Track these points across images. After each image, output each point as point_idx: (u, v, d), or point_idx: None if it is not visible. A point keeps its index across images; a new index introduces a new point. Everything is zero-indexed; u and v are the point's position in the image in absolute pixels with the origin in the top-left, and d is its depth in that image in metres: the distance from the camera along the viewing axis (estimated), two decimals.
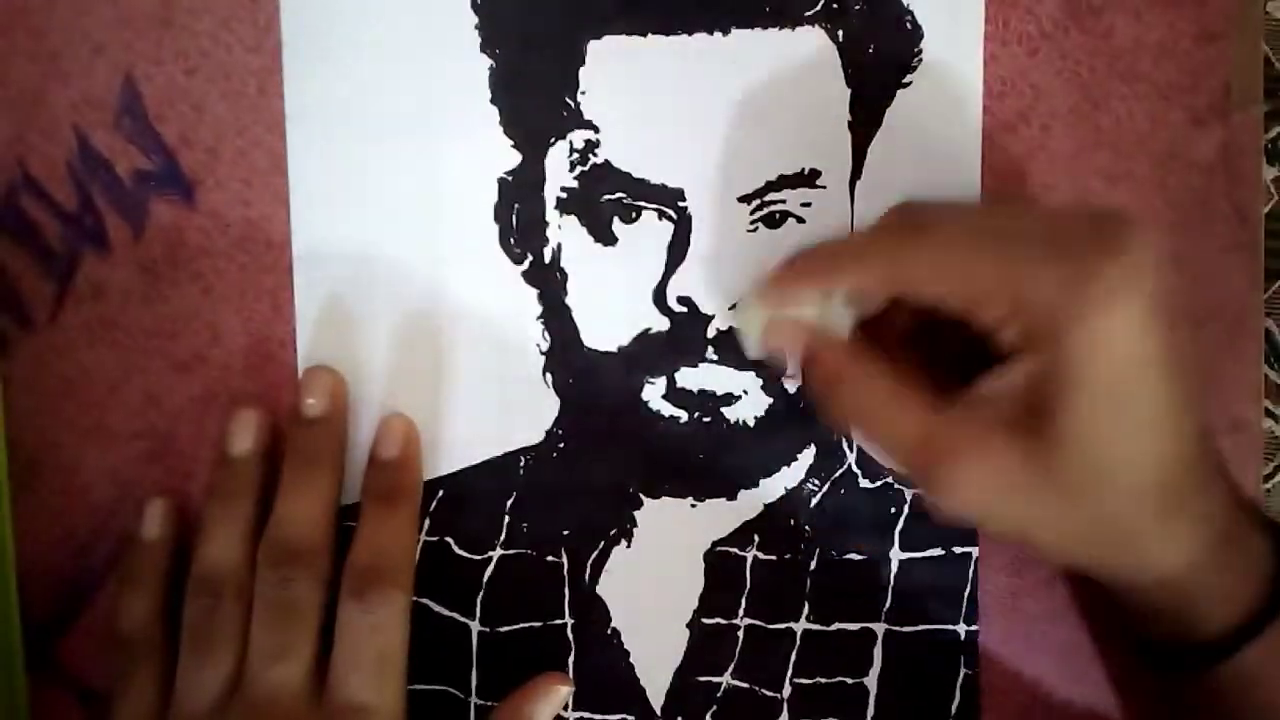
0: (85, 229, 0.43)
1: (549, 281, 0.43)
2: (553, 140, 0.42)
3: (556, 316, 0.43)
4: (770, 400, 0.43)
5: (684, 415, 0.43)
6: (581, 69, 0.42)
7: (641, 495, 0.44)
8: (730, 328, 0.42)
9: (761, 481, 0.44)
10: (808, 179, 0.42)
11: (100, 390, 0.43)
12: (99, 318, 0.43)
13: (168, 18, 0.42)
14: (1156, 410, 0.34)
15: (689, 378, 0.43)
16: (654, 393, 0.43)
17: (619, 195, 0.42)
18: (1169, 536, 0.36)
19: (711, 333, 0.43)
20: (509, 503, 0.44)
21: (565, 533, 0.44)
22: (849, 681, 0.44)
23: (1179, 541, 0.36)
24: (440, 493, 0.44)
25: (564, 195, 0.42)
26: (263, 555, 0.40)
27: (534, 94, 0.42)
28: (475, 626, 0.44)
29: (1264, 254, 0.43)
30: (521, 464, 0.44)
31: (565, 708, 0.44)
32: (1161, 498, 0.35)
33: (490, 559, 0.44)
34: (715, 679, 0.44)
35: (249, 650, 0.40)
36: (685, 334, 0.43)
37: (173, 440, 0.43)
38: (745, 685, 0.44)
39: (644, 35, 0.42)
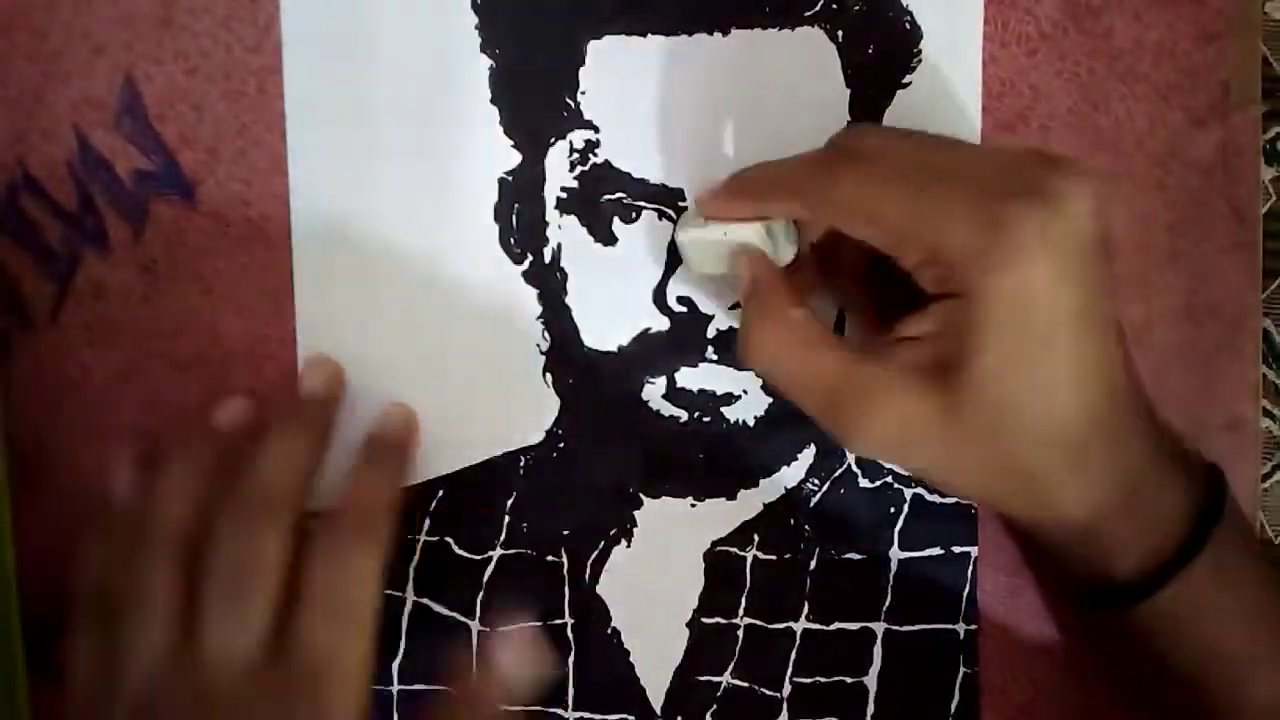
0: (85, 229, 0.43)
1: (549, 281, 0.43)
2: (553, 140, 0.42)
3: (557, 316, 0.43)
4: (770, 400, 0.43)
5: (684, 415, 0.43)
6: (581, 69, 0.42)
7: (641, 495, 0.44)
8: (730, 327, 0.42)
9: (761, 481, 0.44)
10: None
11: (100, 390, 0.43)
12: (99, 318, 0.43)
13: (168, 17, 0.42)
14: (1067, 364, 0.34)
15: (689, 377, 0.43)
16: (654, 392, 0.43)
17: (619, 195, 0.42)
18: (1074, 485, 0.36)
19: (711, 333, 0.43)
20: (509, 502, 0.44)
21: (565, 532, 0.44)
22: (849, 681, 0.44)
23: (1084, 490, 0.36)
24: (440, 492, 0.44)
25: (564, 195, 0.42)
26: (231, 506, 0.38)
27: (534, 94, 0.42)
28: (475, 626, 0.44)
29: (1262, 254, 0.43)
30: (522, 464, 0.44)
31: (565, 708, 0.44)
32: (1066, 448, 0.35)
33: (490, 559, 0.44)
34: (715, 678, 0.44)
35: (204, 605, 0.37)
36: (685, 334, 0.43)
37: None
38: (745, 685, 0.44)
39: (644, 35, 0.42)
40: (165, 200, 0.43)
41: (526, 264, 0.43)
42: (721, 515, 0.44)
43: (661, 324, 0.43)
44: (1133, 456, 0.36)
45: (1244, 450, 0.44)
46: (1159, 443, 0.37)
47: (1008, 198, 0.33)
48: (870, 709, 0.44)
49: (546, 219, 0.43)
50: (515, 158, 0.42)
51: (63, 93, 0.43)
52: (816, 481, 0.44)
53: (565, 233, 0.43)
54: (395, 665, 0.44)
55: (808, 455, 0.44)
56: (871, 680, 0.44)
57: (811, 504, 0.44)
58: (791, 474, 0.44)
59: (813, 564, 0.44)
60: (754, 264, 0.38)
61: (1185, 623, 0.37)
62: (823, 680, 0.44)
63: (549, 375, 0.43)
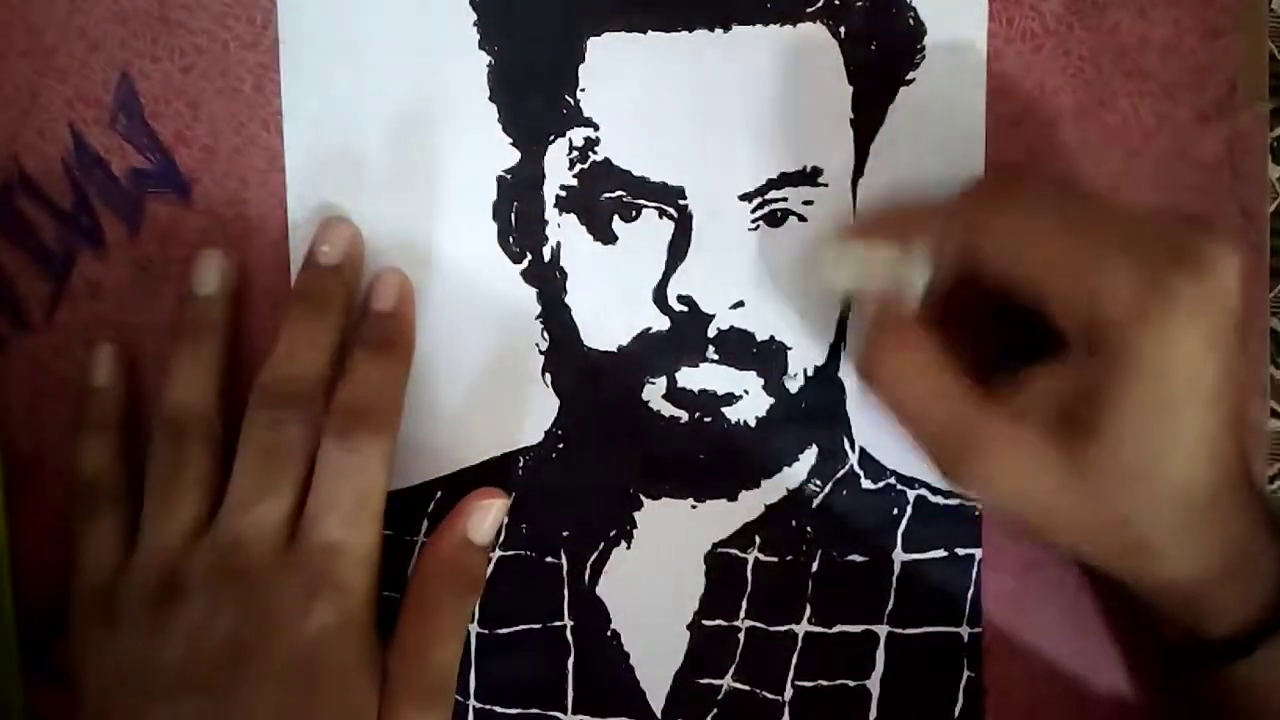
0: (81, 228, 0.43)
1: (548, 280, 0.43)
2: (552, 138, 0.42)
3: (556, 316, 0.43)
4: (772, 400, 0.43)
5: (684, 415, 0.43)
6: (581, 66, 0.41)
7: (642, 496, 0.43)
8: (731, 327, 0.42)
9: (763, 482, 0.43)
10: (809, 177, 0.42)
11: None
12: (95, 317, 0.43)
13: (164, 15, 0.42)
14: (1201, 433, 0.34)
15: (690, 377, 0.43)
16: (654, 393, 0.43)
17: (619, 193, 0.42)
18: (1185, 548, 0.36)
19: (712, 332, 0.42)
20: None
21: (565, 534, 0.43)
22: (851, 684, 0.44)
23: (1193, 554, 0.36)
24: (439, 493, 0.43)
25: (563, 193, 0.42)
26: (256, 395, 0.39)
27: (533, 91, 0.42)
28: (474, 628, 0.44)
29: (1270, 252, 0.43)
30: (520, 464, 0.43)
31: (564, 710, 0.44)
32: (1187, 514, 0.35)
33: (489, 560, 0.43)
34: (716, 681, 0.44)
35: (228, 491, 0.39)
36: (686, 333, 0.42)
37: None
38: (746, 688, 0.44)
39: (644, 32, 0.41)
40: (161, 198, 0.43)
41: (525, 263, 0.43)
42: (722, 516, 0.43)
43: (662, 323, 0.42)
44: (1240, 522, 0.36)
45: (1251, 450, 0.43)
46: (1261, 507, 0.37)
47: (1169, 264, 0.33)
48: (873, 713, 0.44)
49: (545, 217, 0.42)
50: (514, 155, 0.42)
51: (58, 90, 0.42)
52: (819, 483, 0.43)
53: (564, 231, 0.42)
54: None
55: (810, 456, 0.43)
56: (874, 683, 0.44)
57: (814, 505, 0.43)
58: (794, 475, 0.43)
59: (815, 566, 0.44)
60: (883, 295, 0.38)
61: (1275, 683, 0.37)
62: (825, 683, 0.44)
63: (548, 375, 0.43)
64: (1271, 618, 0.37)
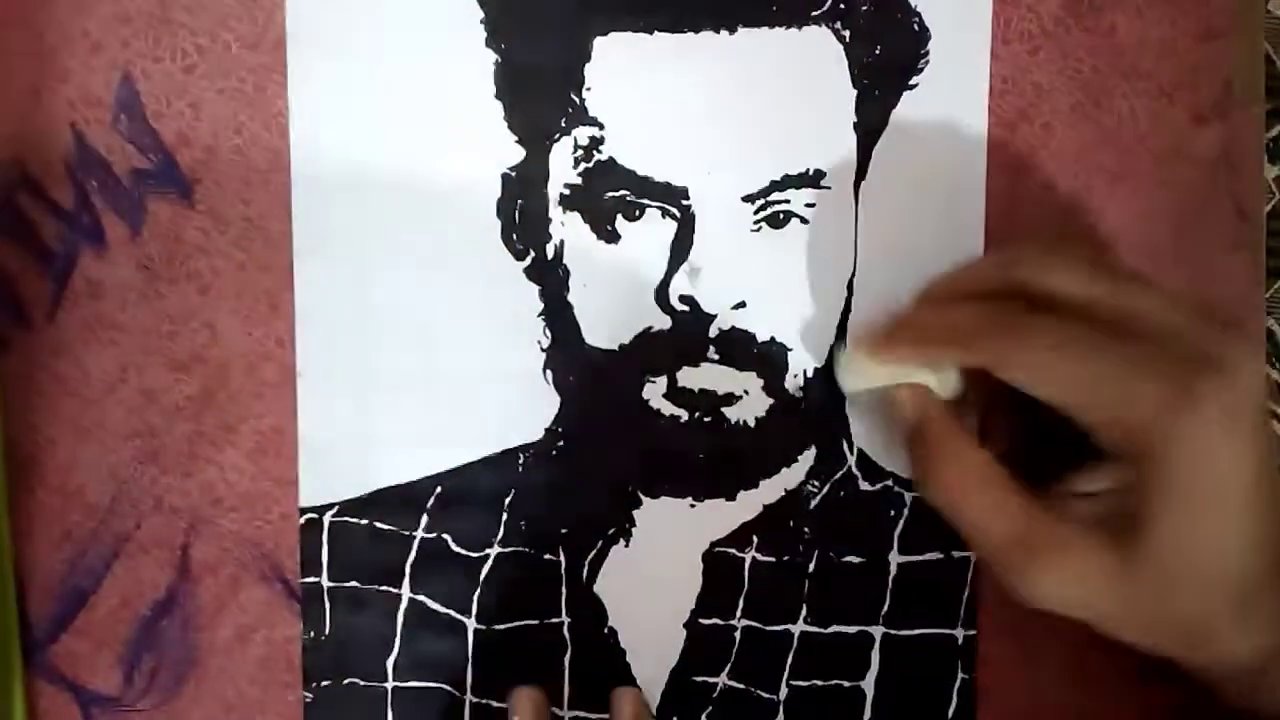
0: (83, 227, 0.43)
1: (551, 278, 0.43)
2: (557, 136, 0.42)
3: (558, 314, 0.43)
4: (771, 401, 0.43)
5: (685, 415, 0.43)
6: (587, 65, 0.42)
7: (640, 494, 0.44)
8: (733, 327, 0.42)
9: (761, 482, 0.44)
10: (812, 179, 0.42)
11: (98, 389, 0.43)
12: (97, 317, 0.43)
13: (165, 15, 0.42)
14: (1242, 525, 0.35)
15: (690, 377, 0.43)
16: (655, 392, 0.43)
17: (622, 192, 0.42)
18: (1239, 631, 0.36)
19: (713, 332, 0.42)
20: (507, 500, 0.43)
21: (563, 531, 0.44)
22: (846, 685, 0.44)
23: (1248, 636, 0.36)
24: (438, 489, 0.43)
25: (567, 192, 0.42)
26: None
27: (539, 90, 0.42)
28: (471, 624, 0.44)
29: (1266, 252, 0.43)
30: (520, 461, 0.43)
31: (561, 707, 0.44)
32: (1241, 601, 0.36)
33: (487, 556, 0.43)
34: (712, 680, 0.44)
35: None
36: (687, 333, 0.42)
37: (171, 440, 0.43)
38: (742, 687, 0.44)
39: (650, 33, 0.41)
40: (163, 199, 0.43)
41: (528, 260, 0.43)
42: (721, 516, 0.44)
43: (663, 323, 0.43)
44: None
45: None
46: None
47: (1195, 371, 0.34)
48: (867, 713, 0.44)
49: (549, 215, 0.42)
50: (519, 153, 0.42)
51: (60, 91, 0.42)
52: (817, 484, 0.44)
53: (568, 229, 0.42)
54: (390, 662, 0.43)
55: (808, 457, 0.44)
56: (869, 684, 0.44)
57: (811, 506, 0.44)
58: (792, 476, 0.44)
59: (812, 566, 0.44)
60: (918, 397, 0.39)
61: None
62: (820, 683, 0.44)
63: (549, 373, 0.43)
64: None
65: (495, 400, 0.43)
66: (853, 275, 0.43)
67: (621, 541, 0.44)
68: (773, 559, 0.44)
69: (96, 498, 0.43)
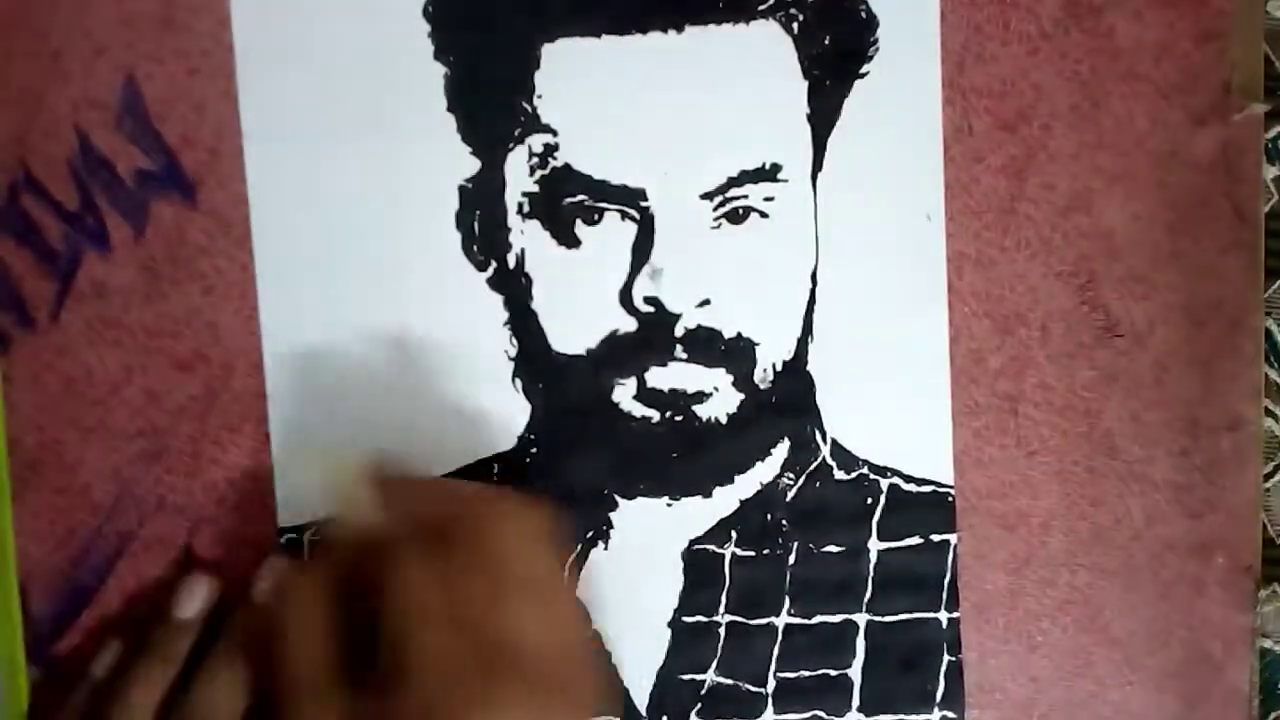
0: (87, 229, 0.43)
1: (514, 287, 0.43)
2: (511, 145, 0.42)
3: (523, 322, 0.43)
4: (742, 396, 0.43)
5: (656, 415, 0.43)
6: (537, 73, 0.42)
7: (617, 496, 0.44)
8: (699, 325, 0.42)
9: (736, 478, 0.44)
10: (769, 173, 0.42)
11: (101, 389, 0.43)
12: (100, 317, 0.43)
13: (169, 17, 0.42)
14: None
15: (659, 377, 0.43)
16: (625, 394, 0.43)
17: (581, 198, 0.42)
18: None
19: (680, 331, 0.42)
20: None
21: None
22: (833, 673, 0.44)
23: None
24: None
25: (525, 200, 0.42)
26: None
27: (490, 100, 0.42)
28: None
29: (1264, 253, 0.43)
30: (494, 470, 0.43)
31: None
32: None
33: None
34: (699, 676, 0.44)
35: None
36: (653, 334, 0.43)
37: (174, 439, 0.43)
38: (729, 681, 0.44)
39: (598, 36, 0.41)
40: (166, 200, 0.43)
41: (490, 271, 0.43)
42: (698, 513, 0.44)
43: (629, 325, 0.43)
44: None
45: (1245, 450, 0.44)
46: None
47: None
48: (855, 700, 0.44)
49: (508, 225, 0.42)
50: (474, 164, 0.42)
51: (64, 92, 0.42)
52: (791, 476, 0.44)
53: (528, 238, 0.42)
54: None
55: (781, 450, 0.44)
56: (855, 671, 0.44)
57: (788, 498, 0.44)
58: (766, 470, 0.44)
59: (792, 558, 0.44)
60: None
61: None
62: (807, 673, 0.44)
63: (518, 381, 0.43)
64: None
65: (466, 412, 0.43)
66: (816, 266, 0.43)
67: (600, 544, 0.44)
68: (752, 553, 0.44)
69: (100, 497, 0.43)
